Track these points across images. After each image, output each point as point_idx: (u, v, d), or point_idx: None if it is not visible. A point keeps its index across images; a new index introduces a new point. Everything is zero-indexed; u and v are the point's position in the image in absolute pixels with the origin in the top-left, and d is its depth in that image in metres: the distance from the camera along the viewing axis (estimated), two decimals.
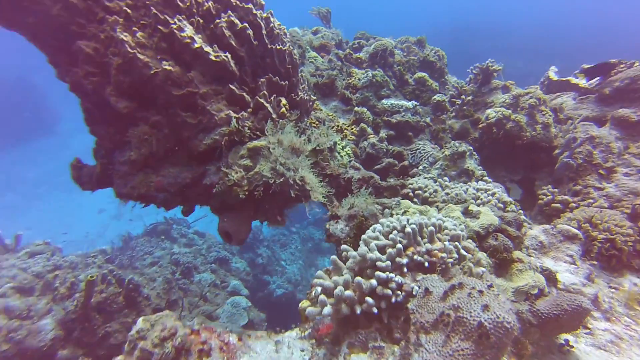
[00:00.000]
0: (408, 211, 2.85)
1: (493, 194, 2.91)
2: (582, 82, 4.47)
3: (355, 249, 2.03)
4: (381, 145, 3.57)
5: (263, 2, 3.20)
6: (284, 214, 3.05)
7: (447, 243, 2.05)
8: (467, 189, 3.01)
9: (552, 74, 4.94)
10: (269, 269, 9.05)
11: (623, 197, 3.23)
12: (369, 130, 3.64)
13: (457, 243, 2.12)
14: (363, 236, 2.14)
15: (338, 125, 3.64)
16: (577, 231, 2.72)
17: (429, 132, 3.98)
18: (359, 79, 4.04)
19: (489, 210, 2.56)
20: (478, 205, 2.81)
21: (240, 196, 2.56)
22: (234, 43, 2.72)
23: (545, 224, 3.09)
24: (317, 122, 3.43)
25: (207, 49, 2.57)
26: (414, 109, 3.91)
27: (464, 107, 4.16)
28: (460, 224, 2.32)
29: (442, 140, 3.95)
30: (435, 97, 4.23)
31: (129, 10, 2.53)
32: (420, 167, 3.56)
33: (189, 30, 2.55)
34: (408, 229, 2.02)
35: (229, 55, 2.67)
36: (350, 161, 3.37)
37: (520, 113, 3.70)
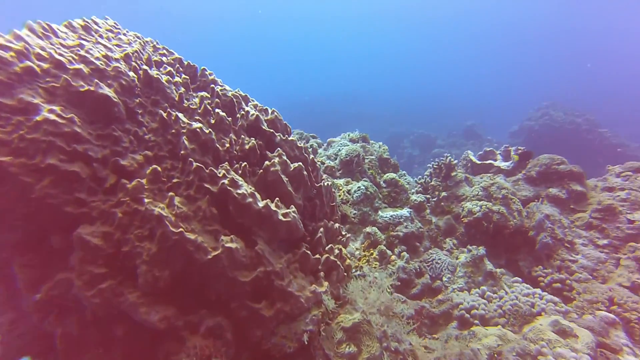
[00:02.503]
0: (487, 337, 2.81)
1: (542, 297, 3.21)
2: (502, 165, 5.67)
3: None
4: (408, 265, 3.51)
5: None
6: None
7: None
8: (515, 296, 3.23)
9: (473, 157, 6.10)
10: None
11: (595, 266, 4.09)
12: (389, 252, 3.55)
13: None
14: None
15: (359, 254, 3.41)
16: (614, 317, 3.25)
17: (427, 237, 4.19)
18: (348, 193, 3.98)
19: (576, 326, 2.80)
20: (541, 313, 3.03)
21: None
22: (290, 189, 2.28)
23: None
24: (351, 258, 3.12)
25: (274, 207, 2.07)
26: (410, 217, 4.08)
27: (442, 204, 4.62)
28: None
29: (441, 243, 4.21)
30: (413, 197, 4.55)
31: (158, 168, 1.84)
32: (445, 279, 3.65)
33: (245, 186, 2.01)
34: None
35: (296, 210, 2.21)
36: (391, 293, 3.15)
37: (497, 204, 4.35)
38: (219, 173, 1.94)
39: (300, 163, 2.33)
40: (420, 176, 5.16)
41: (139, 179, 1.75)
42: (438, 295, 3.53)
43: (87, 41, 2.03)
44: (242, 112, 2.36)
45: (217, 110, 2.19)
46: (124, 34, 2.36)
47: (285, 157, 2.28)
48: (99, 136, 1.78)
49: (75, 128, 1.65)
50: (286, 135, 2.45)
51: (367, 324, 2.18)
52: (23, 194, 1.52)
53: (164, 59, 2.42)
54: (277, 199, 2.12)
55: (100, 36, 2.16)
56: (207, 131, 2.00)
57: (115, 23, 2.41)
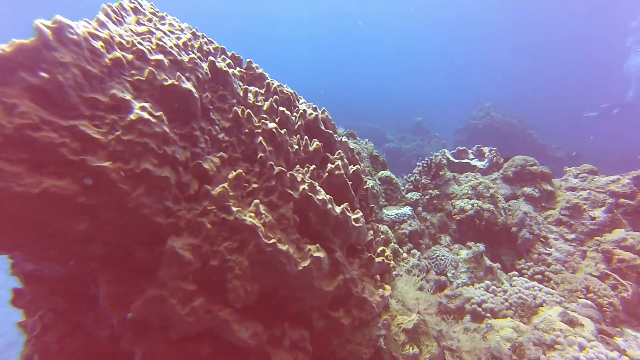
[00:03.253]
0: (503, 329, 3.10)
1: (540, 289, 3.60)
2: (479, 164, 6.14)
3: None
4: (420, 263, 3.68)
5: None
6: None
7: None
8: (519, 290, 3.57)
9: (450, 156, 6.51)
10: None
11: (566, 258, 4.66)
12: (401, 250, 3.68)
13: None
14: None
15: None
16: (591, 303, 3.74)
17: (427, 234, 4.41)
18: None
19: (579, 315, 3.18)
20: (542, 304, 3.40)
21: None
22: (353, 193, 2.27)
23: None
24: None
25: (348, 212, 2.04)
26: (412, 214, 4.26)
27: (434, 201, 4.88)
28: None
29: (439, 240, 4.46)
30: (409, 195, 4.75)
31: (242, 172, 1.73)
32: (450, 275, 3.90)
33: (323, 192, 1.97)
34: None
35: (362, 214, 2.20)
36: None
37: (486, 202, 4.72)
38: (298, 177, 1.88)
39: (358, 166, 2.33)
40: (409, 174, 5.40)
41: (223, 185, 1.63)
42: (445, 290, 3.77)
43: (150, 27, 1.80)
44: (301, 111, 2.28)
45: (281, 108, 2.09)
46: (173, 20, 2.12)
47: (345, 160, 2.27)
48: (181, 136, 1.62)
49: (164, 127, 1.48)
50: (341, 137, 2.42)
51: (423, 324, 2.28)
52: (120, 204, 1.34)
53: (208, 47, 2.24)
54: (346, 203, 2.11)
55: (150, 20, 1.92)
56: (282, 132, 1.91)
57: (152, 4, 2.16)
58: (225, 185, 1.65)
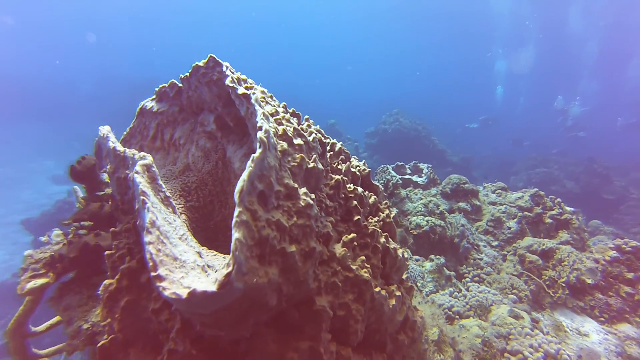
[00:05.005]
0: (472, 328, 4.05)
1: (489, 292, 4.67)
2: (419, 180, 7.25)
3: None
4: None
5: None
6: None
7: None
8: (475, 294, 4.59)
9: (392, 170, 7.48)
10: None
11: (492, 261, 5.97)
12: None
13: None
14: None
15: None
16: (516, 297, 5.01)
17: None
18: None
19: (520, 310, 4.28)
20: (492, 304, 4.47)
21: None
22: (396, 234, 2.83)
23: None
24: None
25: (401, 254, 2.60)
26: None
27: (397, 218, 5.70)
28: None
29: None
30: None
31: (354, 235, 2.18)
32: (419, 284, 4.74)
33: (392, 241, 2.50)
34: None
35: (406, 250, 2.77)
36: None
37: (437, 218, 5.73)
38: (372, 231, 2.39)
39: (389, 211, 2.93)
40: None
41: (344, 248, 2.06)
42: (417, 297, 4.62)
43: (277, 108, 2.05)
44: (358, 167, 2.74)
45: (352, 169, 2.53)
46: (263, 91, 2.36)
47: (391, 209, 2.83)
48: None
49: (315, 208, 1.85)
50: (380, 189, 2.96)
51: (442, 333, 3.01)
52: (297, 278, 1.69)
53: (279, 108, 2.55)
54: (396, 244, 2.69)
55: (270, 99, 2.17)
56: (367, 194, 2.38)
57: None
58: (343, 247, 2.08)
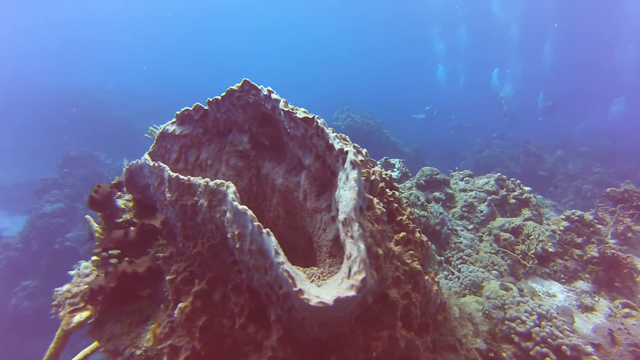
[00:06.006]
0: (472, 304, 4.58)
1: (478, 270, 5.26)
2: (393, 174, 7.75)
3: None
4: None
5: None
6: None
7: None
8: (467, 274, 5.15)
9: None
10: None
11: (471, 243, 6.63)
12: None
13: None
14: None
15: None
16: (498, 273, 5.67)
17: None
18: None
19: (506, 282, 4.89)
20: (483, 281, 5.06)
21: None
22: None
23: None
24: None
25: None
26: None
27: None
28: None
29: None
30: None
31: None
32: None
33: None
34: None
35: None
36: None
37: (418, 209, 6.25)
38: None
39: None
40: None
41: (398, 245, 2.40)
42: None
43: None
44: (381, 171, 3.07)
45: (385, 175, 2.87)
46: None
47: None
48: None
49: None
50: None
51: (461, 311, 3.46)
52: (381, 275, 2.00)
53: None
54: None
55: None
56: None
57: None
58: (397, 245, 2.41)
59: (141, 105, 27.23)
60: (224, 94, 2.75)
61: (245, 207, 1.78)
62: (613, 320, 4.44)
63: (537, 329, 3.65)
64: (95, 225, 3.45)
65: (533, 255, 6.26)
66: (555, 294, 5.61)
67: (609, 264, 6.05)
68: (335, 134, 2.22)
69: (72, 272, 3.09)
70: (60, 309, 3.01)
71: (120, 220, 3.42)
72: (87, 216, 3.54)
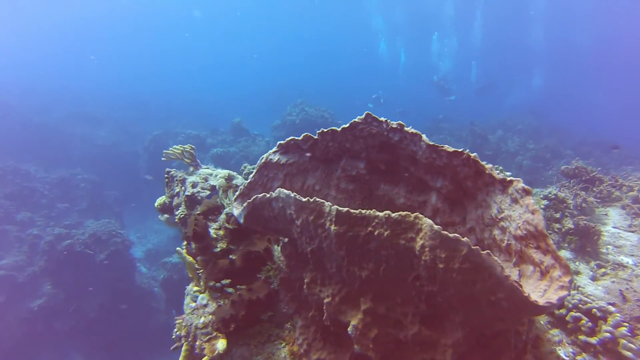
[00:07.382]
0: None
1: None
2: None
3: None
4: None
5: None
6: None
7: None
8: None
9: None
10: None
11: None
12: None
13: None
14: None
15: None
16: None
17: None
18: None
19: None
20: None
21: None
22: None
23: None
24: None
25: None
26: None
27: None
28: None
29: None
30: None
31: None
32: None
33: None
34: None
35: None
36: None
37: None
38: None
39: None
40: None
41: None
42: None
43: None
44: None
45: None
46: None
47: None
48: None
49: None
50: None
51: None
52: None
53: None
54: None
55: None
56: None
57: None
58: None
59: (69, 108, 24.88)
60: (345, 125, 3.09)
61: (457, 234, 2.21)
62: (619, 282, 5.50)
63: (568, 297, 4.51)
64: (189, 257, 3.60)
65: None
66: None
67: (582, 232, 7.31)
68: (485, 164, 2.70)
69: (192, 305, 3.26)
70: (189, 339, 3.18)
71: (217, 250, 3.60)
72: (178, 249, 3.65)
